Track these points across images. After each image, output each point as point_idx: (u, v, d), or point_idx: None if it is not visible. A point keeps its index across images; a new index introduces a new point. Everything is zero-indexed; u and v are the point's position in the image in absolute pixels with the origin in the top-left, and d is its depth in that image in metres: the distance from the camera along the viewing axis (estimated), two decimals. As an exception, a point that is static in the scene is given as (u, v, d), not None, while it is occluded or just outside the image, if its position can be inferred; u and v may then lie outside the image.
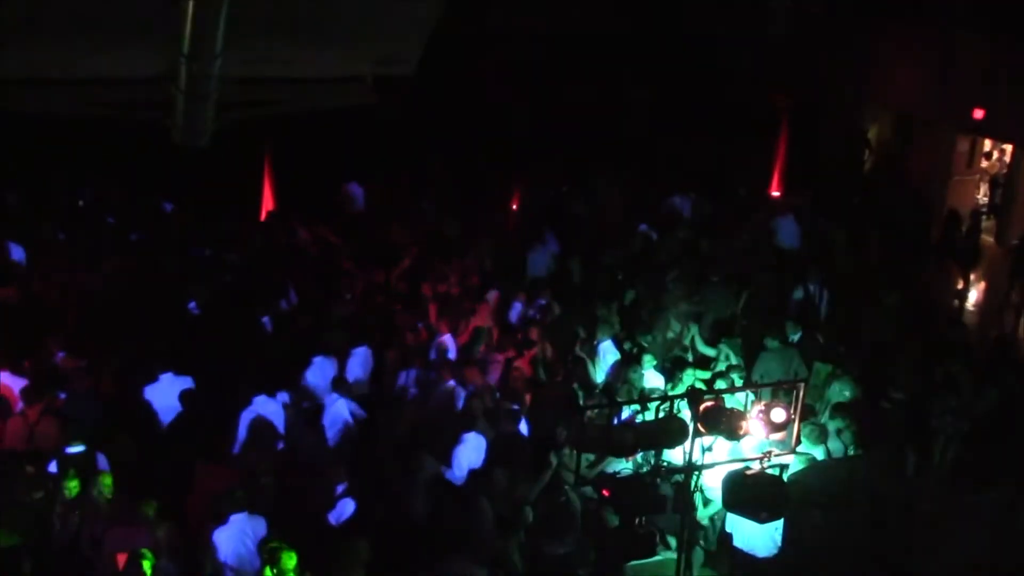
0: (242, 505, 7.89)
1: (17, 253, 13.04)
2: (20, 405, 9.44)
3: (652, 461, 8.43)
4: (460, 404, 10.15)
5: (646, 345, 12.07)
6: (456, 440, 9.36)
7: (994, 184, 20.94)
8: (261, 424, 9.40)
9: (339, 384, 10.12)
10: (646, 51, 20.89)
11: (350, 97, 10.36)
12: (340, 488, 8.61)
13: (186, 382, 9.94)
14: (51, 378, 9.82)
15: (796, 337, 11.68)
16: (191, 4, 7.63)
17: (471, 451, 9.30)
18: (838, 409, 10.09)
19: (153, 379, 9.91)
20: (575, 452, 8.92)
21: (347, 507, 8.49)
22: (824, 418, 10.17)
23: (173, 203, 15.75)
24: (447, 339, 11.44)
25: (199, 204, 15.61)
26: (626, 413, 9.84)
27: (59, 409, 9.37)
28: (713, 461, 8.54)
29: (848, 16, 20.90)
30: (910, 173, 19.86)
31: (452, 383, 10.38)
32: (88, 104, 10.13)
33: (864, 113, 21.59)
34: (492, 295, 12.96)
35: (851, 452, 9.73)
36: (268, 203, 16.73)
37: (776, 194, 20.46)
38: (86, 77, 9.41)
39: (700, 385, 10.40)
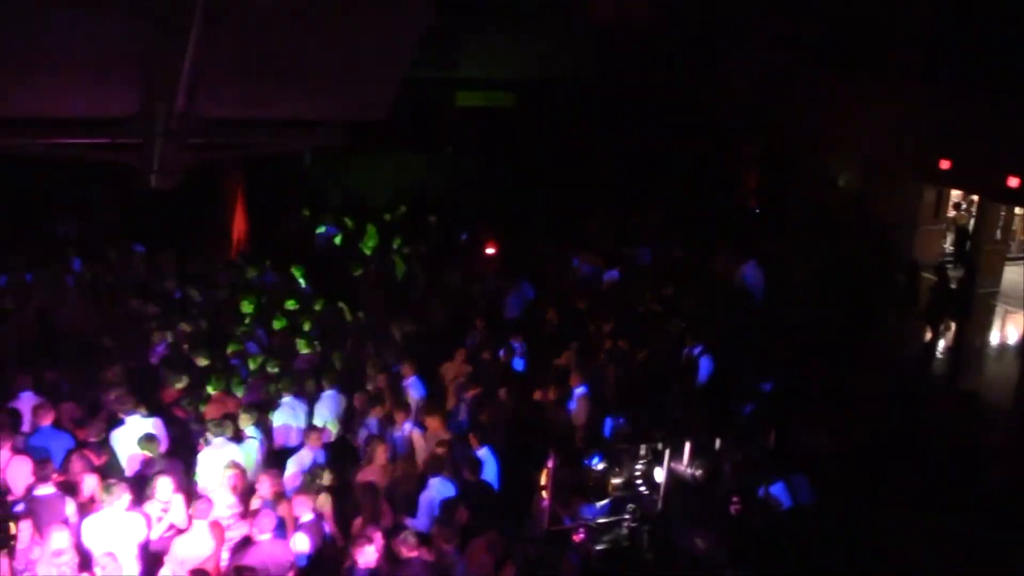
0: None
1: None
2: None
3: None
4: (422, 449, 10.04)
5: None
6: (421, 486, 9.25)
7: (960, 234, 21.25)
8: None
9: (309, 433, 9.96)
10: (616, 100, 21.07)
11: (322, 138, 10.35)
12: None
13: (153, 424, 9.79)
14: (12, 416, 9.64)
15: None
16: (164, 41, 7.60)
17: (436, 497, 9.09)
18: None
19: (118, 421, 9.79)
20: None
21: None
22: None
23: (144, 244, 15.68)
24: (412, 381, 11.36)
25: (169, 244, 15.55)
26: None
27: (27, 447, 9.16)
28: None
29: (814, 67, 21.28)
30: (878, 222, 20.11)
31: (413, 428, 10.31)
32: (57, 145, 10.07)
33: (834, 162, 21.86)
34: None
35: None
36: (240, 242, 16.71)
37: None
38: (55, 117, 9.35)
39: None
